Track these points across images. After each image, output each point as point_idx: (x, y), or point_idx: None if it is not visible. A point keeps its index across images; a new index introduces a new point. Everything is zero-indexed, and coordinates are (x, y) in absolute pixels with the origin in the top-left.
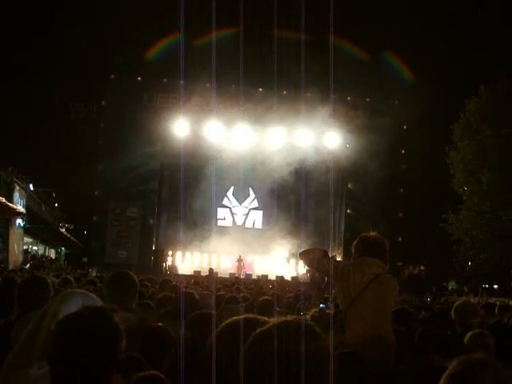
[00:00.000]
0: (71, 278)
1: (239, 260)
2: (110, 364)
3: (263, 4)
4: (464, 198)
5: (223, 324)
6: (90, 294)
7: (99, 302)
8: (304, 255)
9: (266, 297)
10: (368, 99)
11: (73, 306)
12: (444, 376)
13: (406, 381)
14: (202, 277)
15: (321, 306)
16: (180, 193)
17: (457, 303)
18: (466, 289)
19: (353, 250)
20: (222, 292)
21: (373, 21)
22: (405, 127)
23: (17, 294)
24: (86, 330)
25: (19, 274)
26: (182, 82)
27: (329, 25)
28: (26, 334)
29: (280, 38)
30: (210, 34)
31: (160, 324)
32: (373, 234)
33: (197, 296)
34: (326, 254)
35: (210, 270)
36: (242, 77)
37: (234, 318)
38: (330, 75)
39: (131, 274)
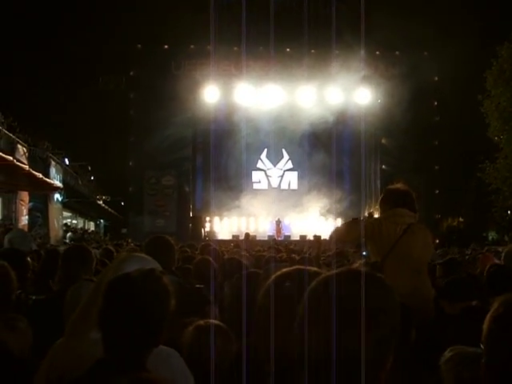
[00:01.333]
0: (112, 248)
1: (277, 222)
2: (160, 324)
3: None
4: (500, 146)
5: (276, 274)
6: (148, 257)
7: (157, 265)
8: (334, 235)
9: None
10: (397, 52)
11: (132, 269)
12: (487, 319)
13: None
14: (241, 240)
15: (363, 254)
16: (212, 158)
17: (506, 249)
18: (506, 238)
19: (381, 205)
20: (263, 253)
21: None
22: (436, 78)
23: (60, 264)
24: (136, 290)
25: (61, 247)
26: (209, 47)
27: None
28: (85, 300)
29: None
30: None
31: (199, 285)
32: (398, 185)
33: (240, 259)
34: (355, 220)
35: (246, 235)
36: (272, 38)
37: (285, 269)
38: (361, 31)
39: (168, 237)
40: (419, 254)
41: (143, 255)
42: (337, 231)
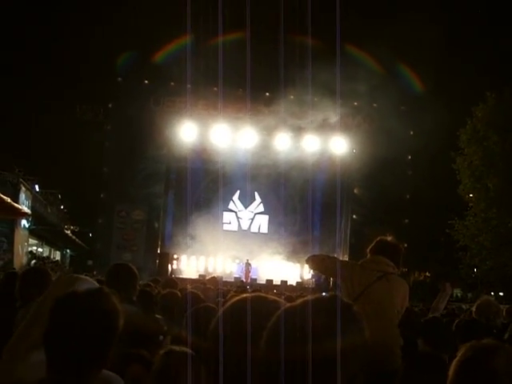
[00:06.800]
0: None
1: (247, 264)
2: (107, 344)
3: (271, 8)
4: (470, 204)
5: (230, 302)
6: (94, 281)
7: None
8: (310, 259)
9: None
10: (375, 105)
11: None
12: (454, 363)
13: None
14: (207, 281)
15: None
16: (187, 196)
17: (479, 302)
18: (470, 295)
19: (368, 253)
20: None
21: (380, 30)
22: (411, 133)
23: (18, 285)
24: (83, 308)
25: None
26: (188, 85)
27: (337, 31)
28: (26, 321)
29: (288, 43)
30: (217, 37)
31: (158, 316)
32: (389, 238)
33: (201, 295)
34: (333, 257)
35: (212, 279)
36: (249, 81)
37: (242, 296)
38: (336, 81)
39: (131, 266)
40: (390, 304)
41: (88, 278)
42: (314, 259)
